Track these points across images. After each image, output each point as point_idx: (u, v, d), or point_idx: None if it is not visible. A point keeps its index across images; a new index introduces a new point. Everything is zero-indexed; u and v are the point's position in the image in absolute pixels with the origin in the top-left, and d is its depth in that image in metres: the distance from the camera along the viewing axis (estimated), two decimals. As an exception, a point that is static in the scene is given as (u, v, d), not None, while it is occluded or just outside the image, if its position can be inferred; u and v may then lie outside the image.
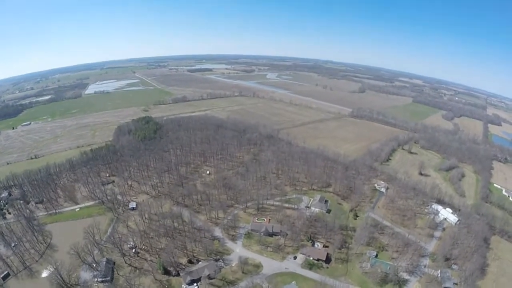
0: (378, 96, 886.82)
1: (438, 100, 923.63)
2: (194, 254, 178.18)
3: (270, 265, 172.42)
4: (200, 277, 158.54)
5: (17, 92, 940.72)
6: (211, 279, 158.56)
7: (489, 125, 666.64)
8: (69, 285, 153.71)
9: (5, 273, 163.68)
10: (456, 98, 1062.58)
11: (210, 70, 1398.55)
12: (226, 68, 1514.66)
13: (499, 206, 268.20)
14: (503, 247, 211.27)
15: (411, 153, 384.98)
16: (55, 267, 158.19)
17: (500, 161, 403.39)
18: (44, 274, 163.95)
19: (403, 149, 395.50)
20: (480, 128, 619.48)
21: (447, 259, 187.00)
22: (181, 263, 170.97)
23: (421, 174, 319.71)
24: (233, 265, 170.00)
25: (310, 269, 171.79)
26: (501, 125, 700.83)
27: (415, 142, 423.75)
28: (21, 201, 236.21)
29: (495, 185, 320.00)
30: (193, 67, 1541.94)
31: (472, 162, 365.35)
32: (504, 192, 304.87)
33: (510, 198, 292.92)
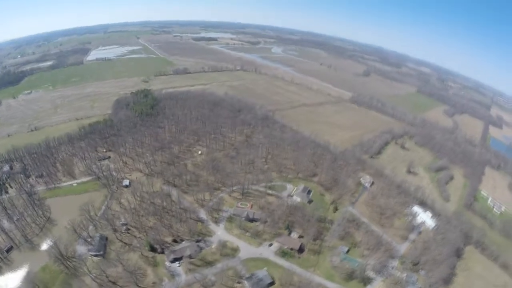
0: (382, 82, 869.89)
1: (443, 93, 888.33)
2: (179, 234, 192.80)
3: (247, 249, 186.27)
4: (182, 256, 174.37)
5: (19, 56, 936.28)
6: (192, 258, 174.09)
7: (490, 126, 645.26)
8: (66, 257, 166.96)
9: (8, 246, 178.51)
10: (462, 93, 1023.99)
11: (215, 39, 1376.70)
12: (232, 38, 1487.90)
13: (481, 215, 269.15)
14: (476, 258, 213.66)
15: (404, 148, 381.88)
16: (53, 241, 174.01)
17: (493, 167, 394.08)
18: (44, 247, 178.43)
19: (396, 143, 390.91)
20: (480, 128, 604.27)
21: (416, 264, 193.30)
22: (166, 242, 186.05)
23: (409, 172, 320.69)
24: (213, 247, 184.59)
25: (283, 257, 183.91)
26: (502, 128, 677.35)
27: (410, 137, 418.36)
28: (22, 175, 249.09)
29: (482, 192, 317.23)
30: (198, 35, 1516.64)
31: (464, 165, 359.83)
32: (489, 202, 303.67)
33: (494, 209, 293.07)
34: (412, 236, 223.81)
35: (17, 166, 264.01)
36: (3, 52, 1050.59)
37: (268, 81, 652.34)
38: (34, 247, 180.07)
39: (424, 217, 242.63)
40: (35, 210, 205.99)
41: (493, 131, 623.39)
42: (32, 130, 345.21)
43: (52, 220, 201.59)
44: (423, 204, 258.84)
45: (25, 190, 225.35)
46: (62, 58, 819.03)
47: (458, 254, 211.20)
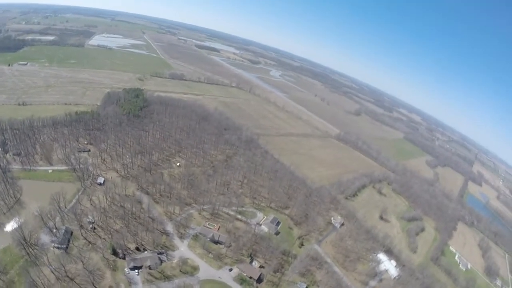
0: (372, 124, 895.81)
1: (429, 143, 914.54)
2: (143, 243, 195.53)
3: (207, 270, 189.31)
4: (142, 265, 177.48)
5: (23, 23, 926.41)
6: (151, 269, 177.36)
7: (469, 182, 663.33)
8: (29, 244, 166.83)
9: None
10: (447, 146, 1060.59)
11: (217, 51, 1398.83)
12: (234, 53, 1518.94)
13: (446, 270, 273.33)
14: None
15: (381, 193, 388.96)
16: (19, 224, 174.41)
17: (466, 223, 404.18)
18: (8, 228, 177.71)
19: (374, 187, 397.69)
20: (459, 183, 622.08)
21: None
22: (129, 248, 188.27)
23: (381, 218, 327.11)
24: (174, 262, 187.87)
25: (241, 284, 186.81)
26: (481, 186, 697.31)
27: (388, 183, 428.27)
28: (0, 149, 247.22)
29: (451, 248, 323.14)
30: (202, 43, 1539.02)
31: (437, 218, 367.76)
32: (456, 258, 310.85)
33: (460, 265, 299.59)
34: (373, 283, 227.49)
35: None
36: (9, 14, 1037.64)
37: (260, 104, 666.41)
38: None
39: (388, 266, 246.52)
40: (6, 188, 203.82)
41: (471, 187, 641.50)
42: (19, 104, 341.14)
43: (21, 202, 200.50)
44: (389, 252, 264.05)
45: (0, 165, 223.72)
46: (64, 36, 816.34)
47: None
